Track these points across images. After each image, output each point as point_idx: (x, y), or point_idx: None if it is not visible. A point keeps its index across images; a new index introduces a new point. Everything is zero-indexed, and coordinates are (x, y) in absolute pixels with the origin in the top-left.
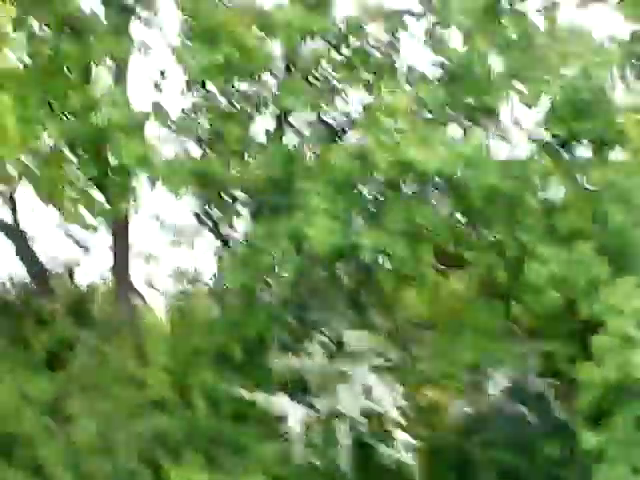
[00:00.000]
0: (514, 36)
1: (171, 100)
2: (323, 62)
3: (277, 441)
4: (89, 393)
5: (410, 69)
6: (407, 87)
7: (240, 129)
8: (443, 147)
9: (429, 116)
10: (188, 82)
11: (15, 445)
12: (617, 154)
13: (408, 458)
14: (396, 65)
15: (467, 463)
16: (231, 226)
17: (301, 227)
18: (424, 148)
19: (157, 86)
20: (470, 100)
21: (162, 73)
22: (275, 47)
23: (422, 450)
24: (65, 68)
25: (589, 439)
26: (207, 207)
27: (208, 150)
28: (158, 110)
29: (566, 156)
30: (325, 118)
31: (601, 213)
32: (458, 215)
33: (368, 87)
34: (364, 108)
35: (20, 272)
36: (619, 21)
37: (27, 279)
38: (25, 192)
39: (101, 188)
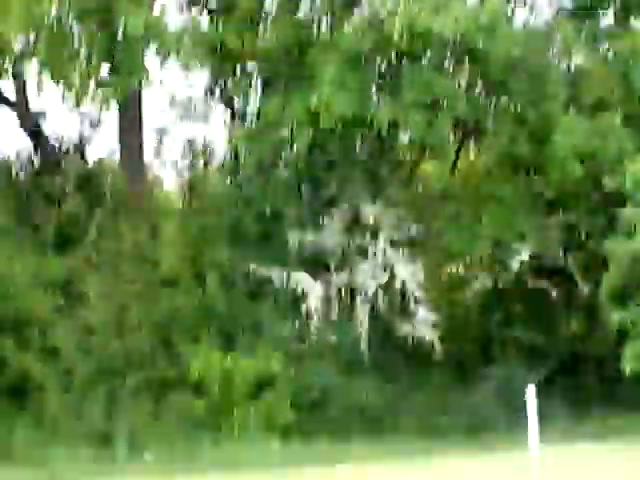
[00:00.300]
0: None
1: None
2: None
3: (294, 318)
4: (101, 272)
5: None
6: None
7: None
8: (459, 13)
9: None
10: None
11: (27, 326)
12: None
13: (428, 334)
14: None
15: (487, 339)
16: (244, 99)
17: (313, 98)
18: (439, 14)
19: None
20: None
21: None
22: None
23: (442, 326)
24: None
25: (618, 314)
26: (219, 80)
27: (219, 21)
28: None
29: (588, 24)
30: None
31: (626, 82)
32: (477, 86)
33: None
34: None
35: (28, 150)
36: None
37: (36, 157)
38: (33, 69)
39: (110, 62)
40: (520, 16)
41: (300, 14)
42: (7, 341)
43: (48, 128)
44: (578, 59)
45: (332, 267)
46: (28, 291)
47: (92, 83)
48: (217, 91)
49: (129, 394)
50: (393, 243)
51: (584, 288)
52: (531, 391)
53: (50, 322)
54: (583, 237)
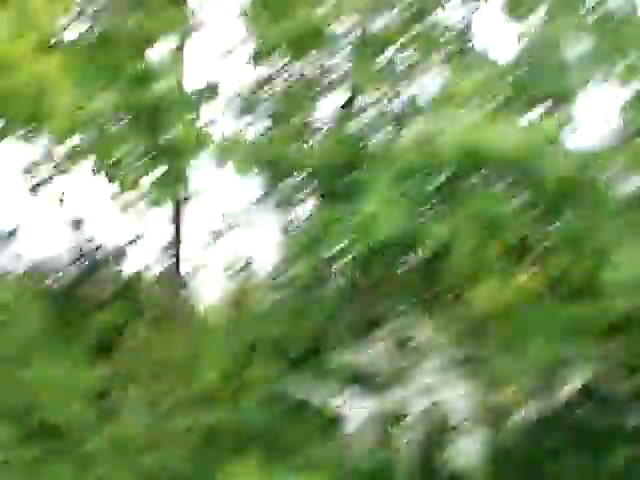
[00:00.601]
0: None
1: (233, 76)
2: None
3: (334, 441)
4: (138, 384)
5: (483, 51)
6: (479, 70)
7: (305, 110)
8: (514, 133)
9: (500, 101)
10: (254, 57)
11: (60, 436)
12: None
13: (472, 462)
14: (469, 46)
15: (534, 469)
16: (292, 211)
17: (363, 215)
18: (492, 134)
19: (219, 61)
20: (546, 85)
21: (227, 49)
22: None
23: (487, 454)
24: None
25: None
26: (267, 191)
27: (270, 130)
28: (214, 88)
29: None
30: (394, 102)
31: None
32: (530, 208)
33: (438, 70)
34: (434, 92)
35: (67, 258)
36: None
37: (74, 265)
38: (74, 174)
39: (156, 167)
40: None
41: (352, 128)
42: (39, 450)
43: (90, 233)
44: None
45: (376, 388)
46: (63, 399)
47: (137, 190)
48: (265, 202)
49: None
50: (439, 366)
51: (637, 418)
52: None
53: (85, 432)
54: (636, 365)
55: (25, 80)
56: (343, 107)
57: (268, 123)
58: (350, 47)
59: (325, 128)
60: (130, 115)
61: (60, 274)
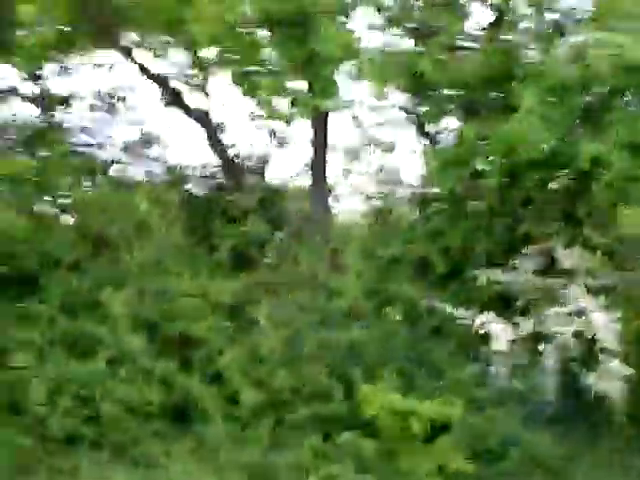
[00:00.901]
0: None
1: None
2: None
3: (477, 361)
4: (276, 298)
5: None
6: None
7: (456, 22)
8: None
9: None
10: None
11: (192, 348)
12: None
13: (615, 389)
14: None
15: None
16: (439, 125)
17: (512, 129)
18: None
19: None
20: None
21: None
22: None
23: (631, 381)
24: None
25: None
26: (413, 105)
27: (419, 43)
28: None
29: None
30: (549, 14)
31: None
32: None
33: None
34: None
35: (211, 165)
36: None
37: (218, 172)
38: (220, 79)
39: (302, 78)
40: None
41: (504, 42)
42: (171, 362)
43: (232, 143)
44: None
45: (521, 309)
46: (197, 312)
47: (281, 99)
48: (410, 116)
49: (295, 428)
50: (588, 290)
51: None
52: None
53: (217, 346)
54: None
55: None
56: (495, 20)
57: (416, 35)
58: None
59: (476, 42)
60: (274, 23)
61: (203, 181)
